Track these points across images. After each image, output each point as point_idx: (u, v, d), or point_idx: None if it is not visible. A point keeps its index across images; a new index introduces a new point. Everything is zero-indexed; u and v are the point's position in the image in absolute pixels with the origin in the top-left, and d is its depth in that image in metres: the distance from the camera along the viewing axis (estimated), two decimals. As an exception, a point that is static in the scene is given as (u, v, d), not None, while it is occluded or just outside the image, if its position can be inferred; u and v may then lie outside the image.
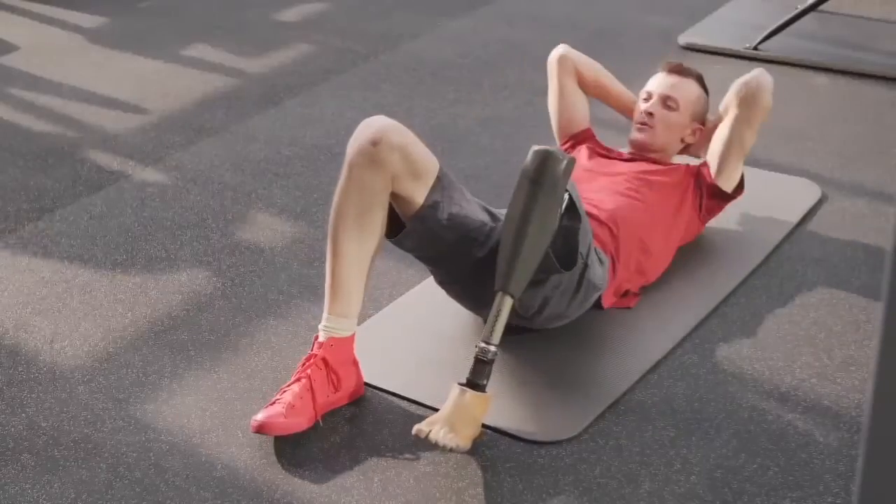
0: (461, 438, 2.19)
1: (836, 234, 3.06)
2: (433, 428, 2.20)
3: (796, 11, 4.34)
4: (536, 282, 2.42)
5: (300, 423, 2.28)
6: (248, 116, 3.90)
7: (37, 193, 3.39)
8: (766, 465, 2.23)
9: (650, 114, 2.94)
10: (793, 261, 2.94)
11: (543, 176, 2.27)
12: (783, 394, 2.44)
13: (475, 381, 2.27)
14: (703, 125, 3.02)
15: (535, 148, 2.31)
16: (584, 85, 3.11)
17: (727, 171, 2.91)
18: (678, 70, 3.00)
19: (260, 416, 2.26)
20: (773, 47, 4.27)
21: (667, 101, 2.95)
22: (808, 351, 2.58)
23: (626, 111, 3.14)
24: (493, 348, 2.27)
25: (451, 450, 2.18)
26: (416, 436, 2.21)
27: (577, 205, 2.37)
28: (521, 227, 2.27)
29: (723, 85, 4.03)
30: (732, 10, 4.76)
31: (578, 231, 2.37)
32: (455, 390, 2.26)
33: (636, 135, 2.96)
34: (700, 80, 3.03)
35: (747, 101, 2.88)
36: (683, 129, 2.99)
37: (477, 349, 2.28)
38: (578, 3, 4.97)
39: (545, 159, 2.28)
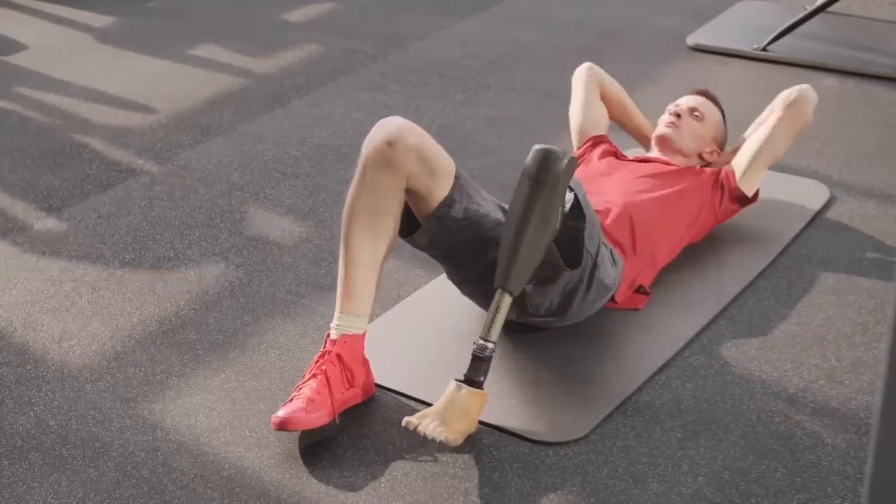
0: (451, 433, 2.20)
1: (845, 235, 3.06)
2: (423, 421, 2.22)
3: (805, 13, 4.33)
4: (545, 280, 2.42)
5: (321, 417, 2.27)
6: (256, 116, 3.90)
7: (45, 192, 3.39)
8: (773, 466, 2.23)
9: (678, 115, 3.05)
10: (801, 262, 2.93)
11: (544, 174, 2.28)
12: (791, 395, 2.43)
13: (472, 378, 2.29)
14: (721, 151, 3.11)
15: (537, 147, 2.33)
16: (607, 101, 3.22)
17: (752, 173, 2.97)
18: (704, 92, 3.12)
19: (281, 413, 2.25)
20: (782, 49, 4.26)
21: (693, 112, 3.06)
22: (816, 352, 2.57)
23: (643, 137, 3.24)
24: (490, 345, 2.28)
25: (439, 443, 2.20)
26: (406, 427, 2.22)
27: (583, 204, 2.37)
28: (522, 225, 2.28)
29: (731, 86, 4.04)
30: (741, 12, 4.76)
31: (584, 230, 2.38)
32: (451, 385, 2.28)
33: (663, 130, 3.06)
34: (722, 111, 3.13)
35: (794, 104, 3.00)
36: (705, 143, 3.07)
37: (475, 345, 2.29)
38: (586, 4, 4.97)
39: (546, 157, 2.29)
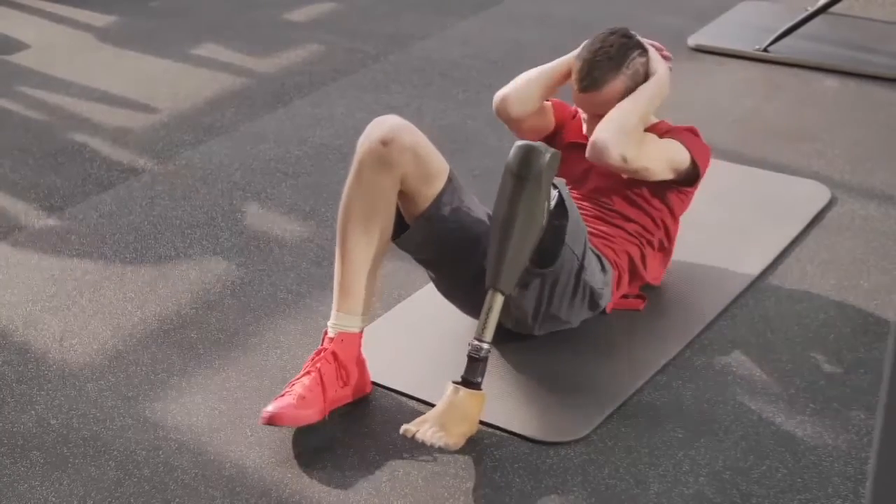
0: (451, 437, 2.19)
1: (845, 236, 3.06)
2: (421, 427, 2.20)
3: (806, 13, 4.33)
4: (524, 285, 2.40)
5: (311, 414, 2.27)
6: (258, 116, 3.90)
7: (47, 191, 3.39)
8: (774, 467, 2.23)
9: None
10: (802, 263, 2.94)
11: (525, 170, 2.26)
12: (792, 396, 2.44)
13: (469, 379, 2.28)
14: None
15: (518, 143, 2.30)
16: (534, 107, 2.79)
17: (664, 175, 2.65)
18: (590, 86, 2.62)
19: (270, 408, 2.25)
20: (783, 49, 4.26)
21: (599, 119, 2.64)
22: (816, 353, 2.57)
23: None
24: (485, 345, 2.28)
25: (439, 449, 2.19)
26: (404, 435, 2.20)
27: (567, 202, 2.35)
28: (508, 222, 2.27)
29: (732, 87, 4.05)
30: (742, 12, 4.76)
31: (566, 228, 2.36)
32: (449, 388, 2.27)
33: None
34: (617, 61, 2.63)
35: (605, 164, 2.57)
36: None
37: (470, 347, 2.29)
38: (586, 4, 4.96)
39: (527, 153, 2.27)
